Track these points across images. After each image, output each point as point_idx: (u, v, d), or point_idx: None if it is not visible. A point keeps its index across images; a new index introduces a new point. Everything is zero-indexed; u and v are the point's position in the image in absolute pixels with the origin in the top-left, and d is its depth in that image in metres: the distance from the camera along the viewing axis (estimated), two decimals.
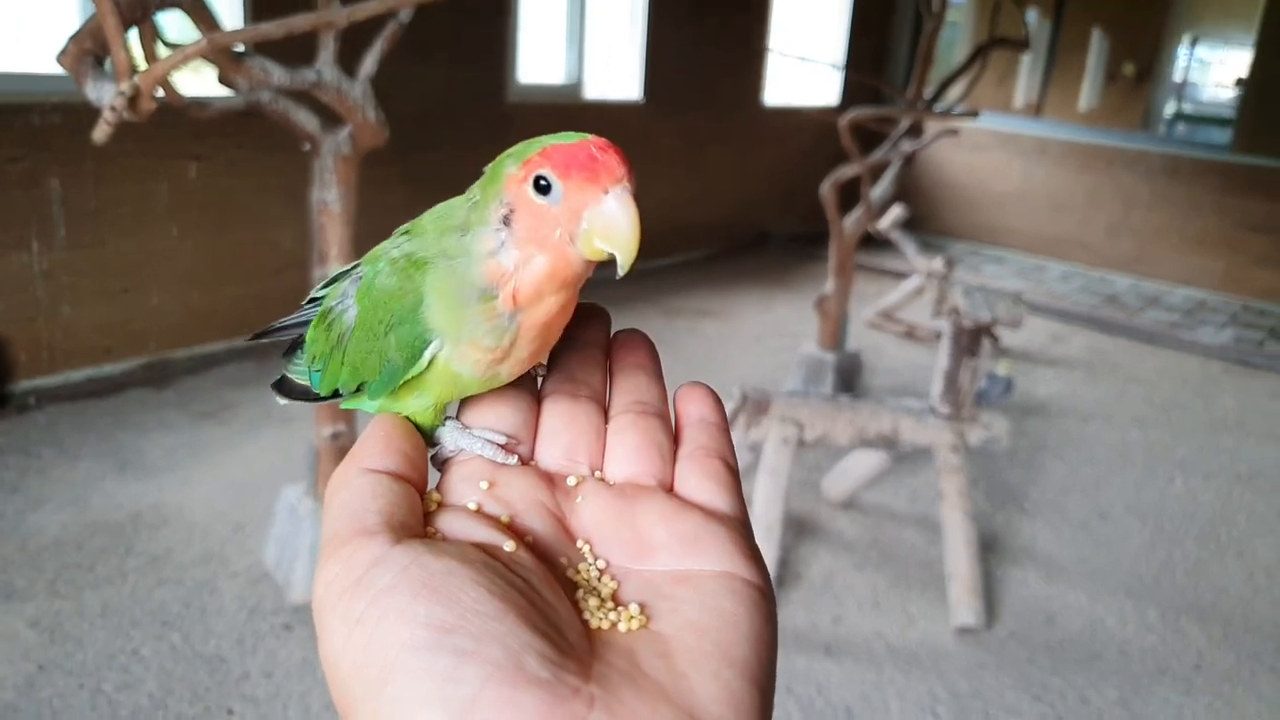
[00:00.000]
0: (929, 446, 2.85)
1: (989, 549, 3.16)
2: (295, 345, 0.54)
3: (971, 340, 2.92)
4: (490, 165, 0.43)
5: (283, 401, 0.55)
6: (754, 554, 0.39)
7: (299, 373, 0.52)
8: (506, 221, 0.41)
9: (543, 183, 0.40)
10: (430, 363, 0.43)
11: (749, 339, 5.21)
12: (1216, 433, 4.38)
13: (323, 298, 0.51)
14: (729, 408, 2.78)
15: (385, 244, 0.47)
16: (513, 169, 0.41)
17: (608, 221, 0.39)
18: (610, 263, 0.41)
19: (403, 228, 0.47)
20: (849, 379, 4.30)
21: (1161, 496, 3.69)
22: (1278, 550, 3.36)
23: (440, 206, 0.46)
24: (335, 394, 0.49)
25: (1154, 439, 4.24)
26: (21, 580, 2.62)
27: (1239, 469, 3.99)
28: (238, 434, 3.55)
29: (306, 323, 0.52)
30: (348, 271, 0.50)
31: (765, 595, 0.37)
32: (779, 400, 2.84)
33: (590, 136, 0.40)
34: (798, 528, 3.20)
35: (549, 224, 0.40)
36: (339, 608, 0.33)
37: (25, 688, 2.25)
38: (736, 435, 2.85)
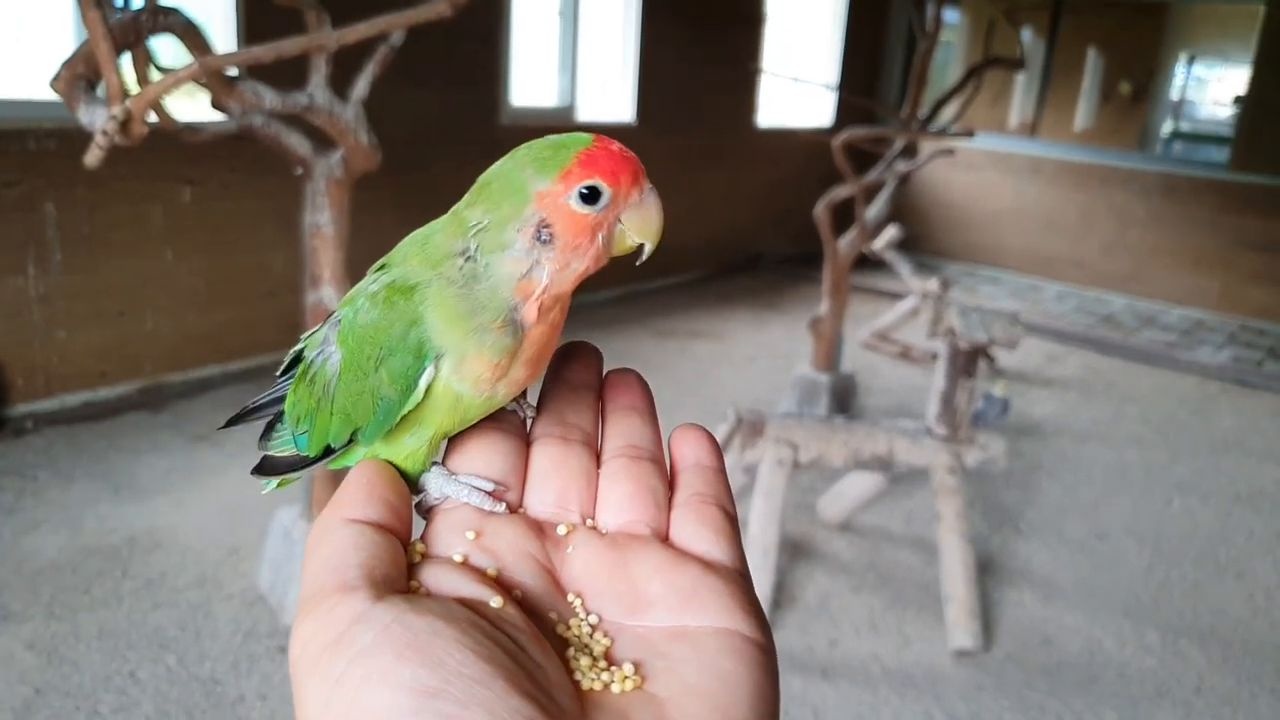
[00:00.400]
0: (925, 468, 2.85)
1: (986, 570, 3.15)
2: (271, 426, 0.51)
3: (968, 361, 2.92)
4: (489, 186, 0.42)
5: (270, 485, 0.52)
6: (754, 608, 0.37)
7: (282, 445, 0.50)
8: (541, 238, 0.40)
9: (590, 192, 0.40)
10: (428, 390, 0.42)
11: (742, 360, 5.21)
12: (1215, 453, 4.37)
13: (294, 369, 0.49)
14: (723, 430, 2.78)
15: (360, 284, 0.45)
16: (542, 185, 0.40)
17: (646, 215, 0.42)
18: (630, 255, 0.43)
19: (376, 265, 0.46)
20: (844, 400, 4.30)
21: (1159, 517, 3.68)
22: (1277, 571, 3.35)
23: (416, 235, 0.44)
24: (327, 452, 0.46)
25: (1152, 459, 4.23)
26: (17, 603, 2.61)
27: (1238, 489, 3.98)
28: (232, 457, 3.54)
29: (282, 399, 0.50)
30: (314, 334, 0.48)
31: (767, 652, 0.36)
32: (773, 422, 2.83)
33: (589, 136, 0.41)
34: (793, 550, 3.18)
35: (591, 231, 0.41)
36: (318, 667, 0.31)
37: (23, 711, 2.24)
38: (731, 457, 2.85)
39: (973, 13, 8.31)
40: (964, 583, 2.76)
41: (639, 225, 0.41)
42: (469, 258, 0.41)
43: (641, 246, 0.43)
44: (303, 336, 0.50)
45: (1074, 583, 3.16)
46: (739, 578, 0.39)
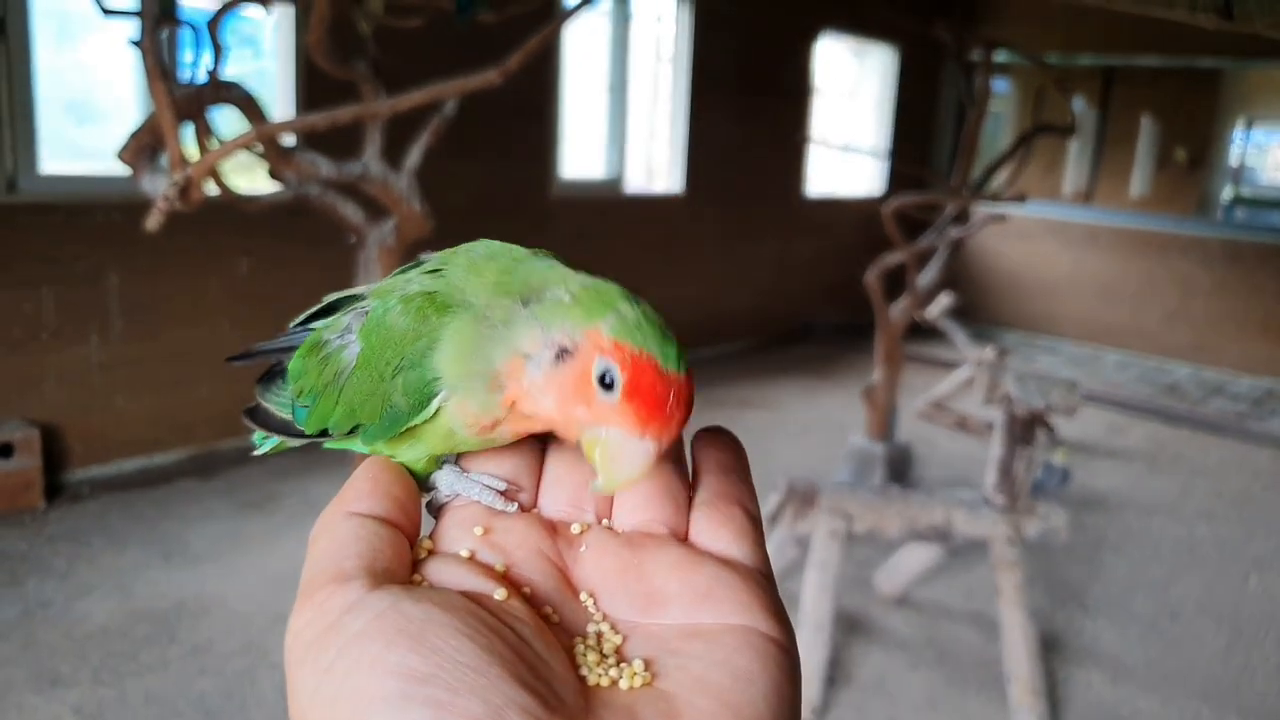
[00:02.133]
0: (984, 539, 2.75)
1: (1051, 649, 3.01)
2: (271, 373, 0.50)
3: (1025, 428, 2.84)
4: (587, 290, 0.39)
5: (260, 440, 0.50)
6: (775, 607, 0.36)
7: (279, 404, 0.48)
8: (555, 356, 0.38)
9: (608, 380, 0.37)
10: (435, 413, 0.41)
11: (794, 430, 5.14)
12: None
13: (311, 324, 0.48)
14: (773, 501, 2.72)
15: (399, 277, 0.44)
16: (604, 338, 0.38)
17: (619, 457, 0.37)
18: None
19: (430, 263, 0.44)
20: (899, 471, 4.20)
21: (1237, 595, 3.50)
22: None
23: (483, 251, 0.43)
24: (322, 433, 0.45)
25: (1225, 534, 4.04)
26: (66, 667, 2.63)
27: None
28: (281, 525, 3.56)
29: (291, 349, 0.48)
30: (346, 300, 0.47)
31: (786, 651, 0.34)
32: (827, 491, 2.76)
33: (680, 371, 0.38)
34: (849, 625, 3.07)
35: (582, 401, 0.38)
36: (308, 657, 0.30)
37: None
38: (782, 530, 2.78)
39: (1022, 82, 8.33)
40: (1027, 660, 2.63)
41: (610, 456, 0.37)
42: (525, 303, 0.40)
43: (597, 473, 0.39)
44: (326, 299, 0.48)
45: (1146, 664, 3.00)
46: (759, 576, 0.37)
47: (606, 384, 0.37)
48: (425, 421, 0.41)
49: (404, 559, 0.35)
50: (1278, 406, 6.08)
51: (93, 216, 3.69)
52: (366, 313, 0.44)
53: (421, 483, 0.41)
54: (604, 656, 0.34)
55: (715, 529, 0.38)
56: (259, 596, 3.04)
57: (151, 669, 2.65)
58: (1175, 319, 7.03)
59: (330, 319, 0.46)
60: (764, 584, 0.37)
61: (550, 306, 0.39)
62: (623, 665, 0.33)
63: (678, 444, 0.41)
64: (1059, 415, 3.06)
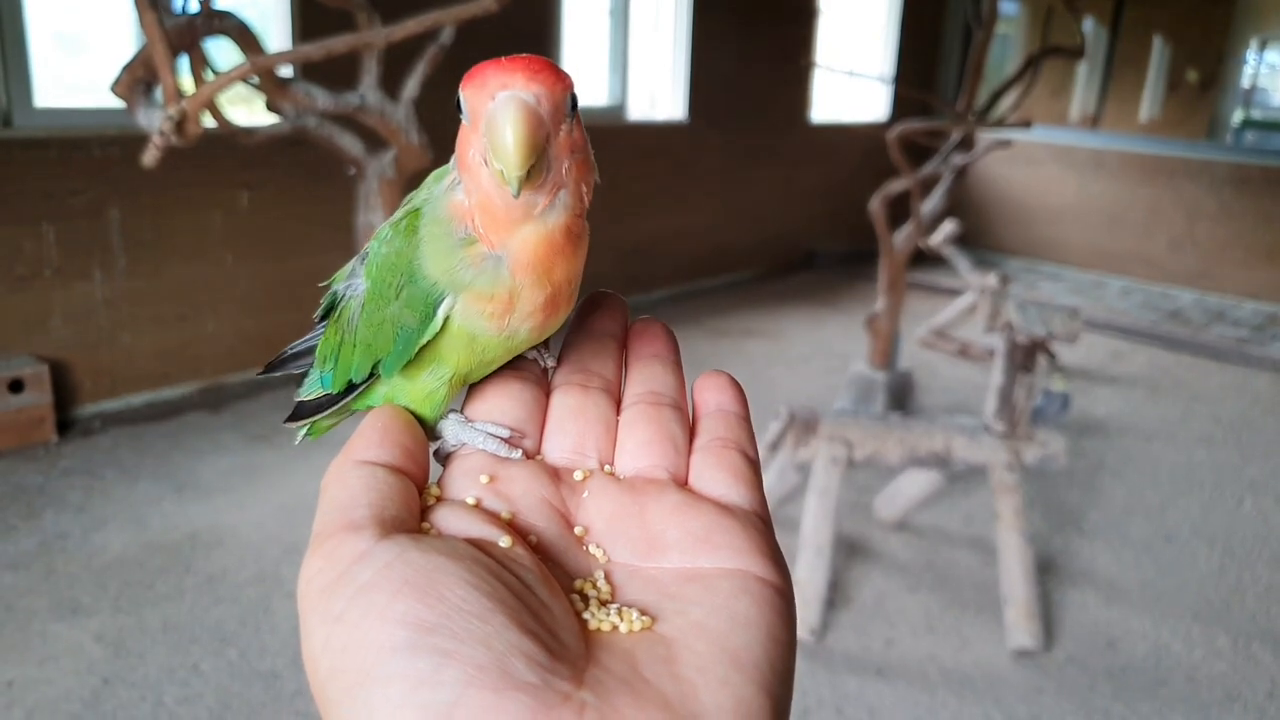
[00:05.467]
0: (983, 465, 2.78)
1: (1046, 571, 3.07)
2: (304, 379, 0.51)
3: (1026, 356, 2.85)
4: None
5: (301, 434, 0.51)
6: (772, 551, 0.36)
7: (311, 388, 0.49)
8: (454, 178, 0.40)
9: (458, 100, 0.38)
10: (445, 324, 0.41)
11: (797, 359, 5.16)
12: None
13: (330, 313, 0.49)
14: (775, 428, 2.75)
15: (390, 218, 0.45)
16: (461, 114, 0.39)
17: (491, 132, 0.36)
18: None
19: (409, 196, 0.45)
20: (901, 398, 4.23)
21: (1231, 519, 3.55)
22: None
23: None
24: (350, 389, 0.46)
25: (1222, 459, 4.09)
26: (87, 596, 2.70)
27: None
28: (291, 457, 3.61)
29: (314, 347, 0.50)
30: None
31: (783, 595, 0.35)
32: (827, 419, 2.79)
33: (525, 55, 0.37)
34: (849, 549, 3.14)
35: (468, 145, 0.38)
36: (319, 606, 0.31)
37: (91, 700, 2.31)
38: (783, 456, 2.81)
39: (1031, 3, 8.13)
40: (1023, 582, 2.69)
41: (490, 142, 0.35)
42: (441, 179, 0.41)
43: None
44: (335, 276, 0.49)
45: (1140, 585, 3.07)
46: (757, 520, 0.37)
47: (459, 106, 0.38)
48: (441, 336, 0.41)
49: (412, 506, 0.35)
50: (1279, 331, 6.08)
51: (90, 151, 3.66)
52: (366, 255, 0.45)
53: (429, 431, 0.42)
54: (605, 602, 0.34)
55: (714, 473, 0.39)
56: (271, 527, 3.10)
57: (168, 598, 2.72)
58: (1181, 245, 6.98)
59: (338, 275, 0.48)
60: (761, 528, 0.37)
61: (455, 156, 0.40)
62: (623, 611, 0.34)
63: (679, 389, 0.42)
64: (1060, 342, 3.07)
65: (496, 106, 0.36)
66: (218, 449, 3.67)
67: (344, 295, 0.46)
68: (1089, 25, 8.14)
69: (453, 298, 0.40)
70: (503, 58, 0.36)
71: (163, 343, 4.00)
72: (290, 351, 0.52)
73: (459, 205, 0.39)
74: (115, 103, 1.82)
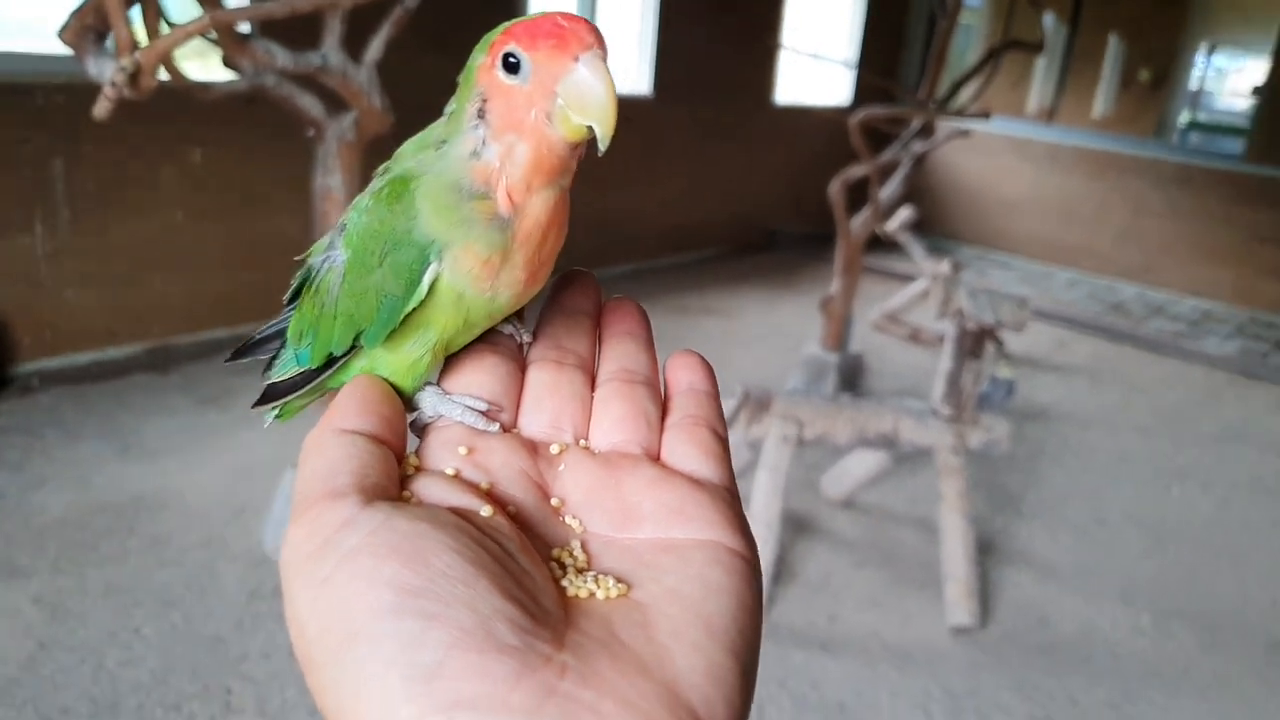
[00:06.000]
0: (929, 447, 2.85)
1: (986, 551, 3.16)
2: (273, 361, 0.50)
3: (975, 342, 2.92)
4: (464, 70, 0.41)
5: (271, 416, 0.51)
6: (741, 524, 0.38)
7: (284, 368, 0.49)
8: (481, 114, 0.40)
9: (511, 60, 0.38)
10: (431, 289, 0.41)
11: (753, 338, 5.20)
12: (1218, 442, 4.37)
13: (298, 298, 0.48)
14: (730, 406, 2.78)
15: (364, 190, 0.45)
16: (482, 58, 0.39)
17: (582, 90, 0.37)
18: (592, 143, 0.39)
19: (380, 169, 0.45)
20: (851, 381, 4.29)
21: (1159, 504, 3.68)
22: (1271, 558, 3.35)
23: (417, 135, 0.45)
24: (329, 364, 0.46)
25: (1155, 447, 4.23)
26: (24, 558, 2.64)
27: (1238, 478, 3.98)
28: (239, 420, 3.56)
29: (285, 331, 0.49)
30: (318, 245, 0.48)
31: (751, 565, 0.36)
32: (780, 398, 2.83)
33: (556, 11, 0.38)
34: (796, 526, 3.19)
35: (523, 105, 0.38)
36: (305, 570, 0.32)
37: (28, 664, 2.27)
38: (737, 433, 2.85)
39: None
40: (963, 562, 2.77)
41: (576, 100, 0.37)
42: (442, 143, 0.41)
43: (593, 132, 0.38)
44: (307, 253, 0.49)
45: (1072, 565, 3.17)
46: (726, 494, 0.39)
47: (512, 67, 0.38)
48: (428, 300, 0.42)
49: (393, 475, 0.36)
50: (1213, 327, 6.28)
51: (33, 98, 3.53)
52: (344, 226, 0.45)
53: (406, 403, 0.42)
54: (581, 570, 0.35)
55: (686, 449, 0.40)
56: (217, 491, 3.07)
57: (111, 560, 2.67)
58: (1127, 240, 7.16)
59: (314, 248, 0.48)
60: (730, 501, 0.38)
61: (454, 117, 0.41)
62: (600, 578, 0.35)
63: (651, 366, 0.43)
64: (1008, 330, 3.14)
65: (588, 67, 0.37)
66: (164, 410, 3.60)
67: (319, 269, 0.46)
68: (1049, 19, 8.25)
69: (438, 263, 0.41)
70: (553, 15, 0.38)
71: (108, 300, 3.91)
72: (259, 336, 0.52)
73: (483, 167, 0.40)
74: (61, 49, 1.76)
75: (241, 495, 3.04)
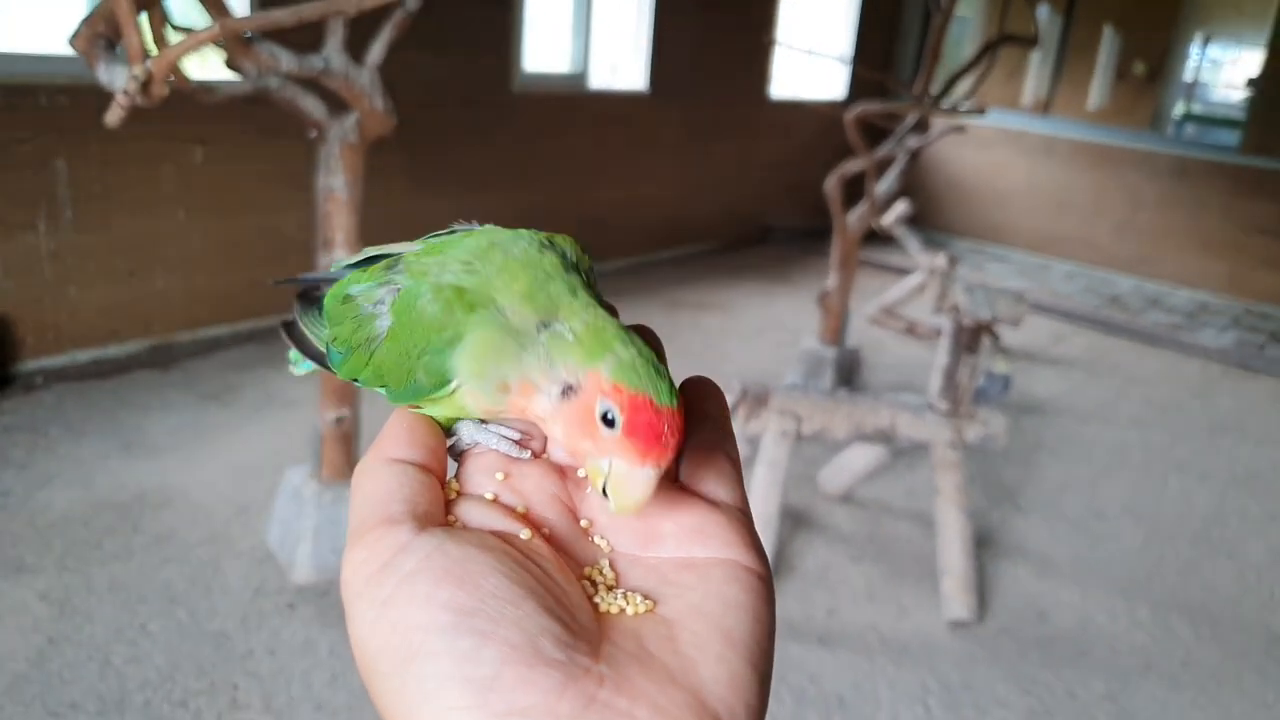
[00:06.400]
0: (926, 442, 2.88)
1: (983, 545, 3.19)
2: (308, 296, 0.53)
3: (971, 337, 2.94)
4: (590, 325, 0.42)
5: (296, 360, 0.53)
6: (755, 543, 0.41)
7: (316, 335, 0.51)
8: (565, 392, 0.42)
9: (609, 419, 0.40)
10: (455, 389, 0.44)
11: (750, 333, 5.23)
12: (1214, 435, 4.40)
13: (349, 272, 0.50)
14: (728, 400, 2.80)
15: (433, 257, 0.46)
16: (606, 377, 0.40)
17: (627, 489, 0.40)
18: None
19: (466, 251, 0.46)
20: (849, 375, 4.32)
21: (1157, 497, 3.71)
22: (1268, 551, 3.38)
23: (520, 253, 0.45)
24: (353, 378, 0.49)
25: (1152, 440, 4.26)
26: (31, 555, 2.66)
27: (1234, 471, 4.01)
28: (241, 416, 3.58)
29: (332, 281, 0.51)
30: (384, 258, 0.49)
31: (766, 582, 0.39)
32: (778, 394, 2.86)
33: (673, 404, 0.40)
34: (795, 520, 3.22)
35: (587, 436, 0.41)
36: (366, 591, 0.35)
37: (37, 659, 2.29)
38: (735, 427, 2.87)
39: None
40: (960, 556, 2.80)
41: (616, 485, 0.40)
42: (544, 325, 0.43)
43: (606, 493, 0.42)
44: (365, 251, 0.51)
45: (1070, 559, 3.20)
46: (741, 515, 0.42)
47: (609, 421, 0.40)
48: (453, 396, 0.44)
49: (438, 501, 0.40)
50: (1209, 319, 6.31)
51: (36, 98, 3.55)
52: (399, 289, 0.46)
53: (445, 430, 0.45)
54: (611, 587, 0.38)
55: (702, 473, 0.43)
56: (221, 487, 3.09)
57: (116, 557, 2.70)
58: (1123, 232, 7.18)
59: (366, 285, 0.48)
60: (745, 522, 0.42)
61: (558, 342, 0.42)
62: (628, 595, 0.38)
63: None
64: (1005, 325, 3.17)
65: (645, 477, 0.39)
66: (167, 407, 3.62)
67: (366, 309, 0.47)
68: (1044, 11, 8.27)
69: (460, 381, 0.43)
70: (664, 414, 0.40)
71: (110, 298, 3.92)
72: (305, 278, 0.54)
73: (528, 389, 0.42)
74: (65, 50, 1.78)
75: (245, 492, 3.06)
